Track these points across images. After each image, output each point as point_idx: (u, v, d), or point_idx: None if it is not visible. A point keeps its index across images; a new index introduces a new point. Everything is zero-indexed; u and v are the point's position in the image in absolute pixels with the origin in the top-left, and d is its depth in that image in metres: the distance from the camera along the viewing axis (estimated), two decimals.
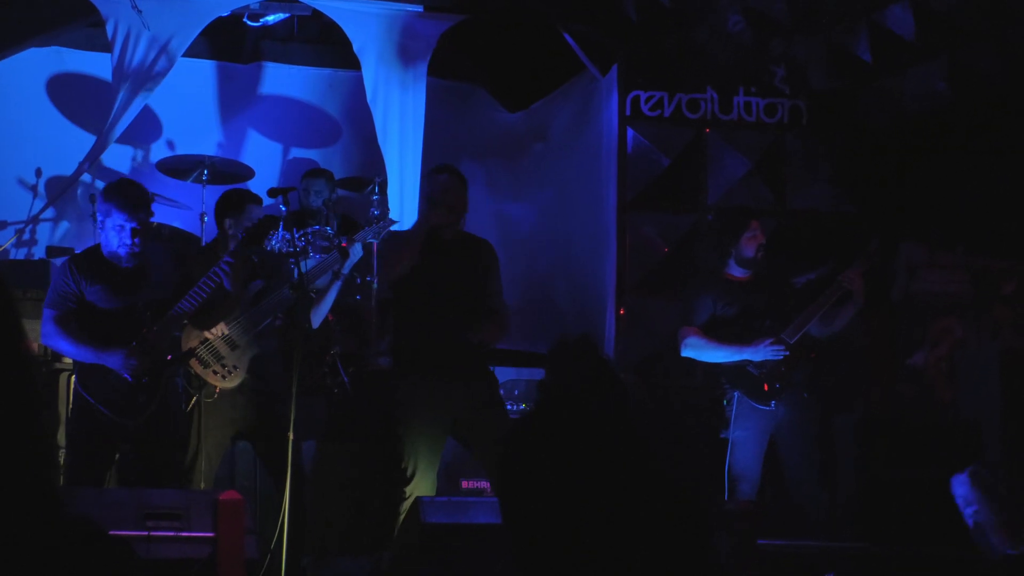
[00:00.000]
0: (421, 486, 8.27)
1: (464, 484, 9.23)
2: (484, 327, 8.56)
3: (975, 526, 7.58)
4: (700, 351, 8.89)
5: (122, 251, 7.90)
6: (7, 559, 1.83)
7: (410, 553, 7.72)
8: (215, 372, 8.16)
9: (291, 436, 7.83)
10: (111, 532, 1.98)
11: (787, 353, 8.67)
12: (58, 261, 9.25)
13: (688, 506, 2.32)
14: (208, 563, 6.93)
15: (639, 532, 2.27)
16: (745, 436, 8.75)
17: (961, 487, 7.58)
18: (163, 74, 10.58)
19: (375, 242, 9.81)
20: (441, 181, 8.69)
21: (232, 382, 8.19)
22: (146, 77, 10.52)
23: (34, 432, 1.93)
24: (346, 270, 8.81)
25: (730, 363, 8.81)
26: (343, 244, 8.70)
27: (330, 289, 8.62)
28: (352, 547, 9.19)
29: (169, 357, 8.00)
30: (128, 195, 8.00)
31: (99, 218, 8.08)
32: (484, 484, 9.21)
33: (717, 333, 8.82)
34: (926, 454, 8.92)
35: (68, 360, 8.68)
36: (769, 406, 8.71)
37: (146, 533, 6.83)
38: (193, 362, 8.13)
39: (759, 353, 8.70)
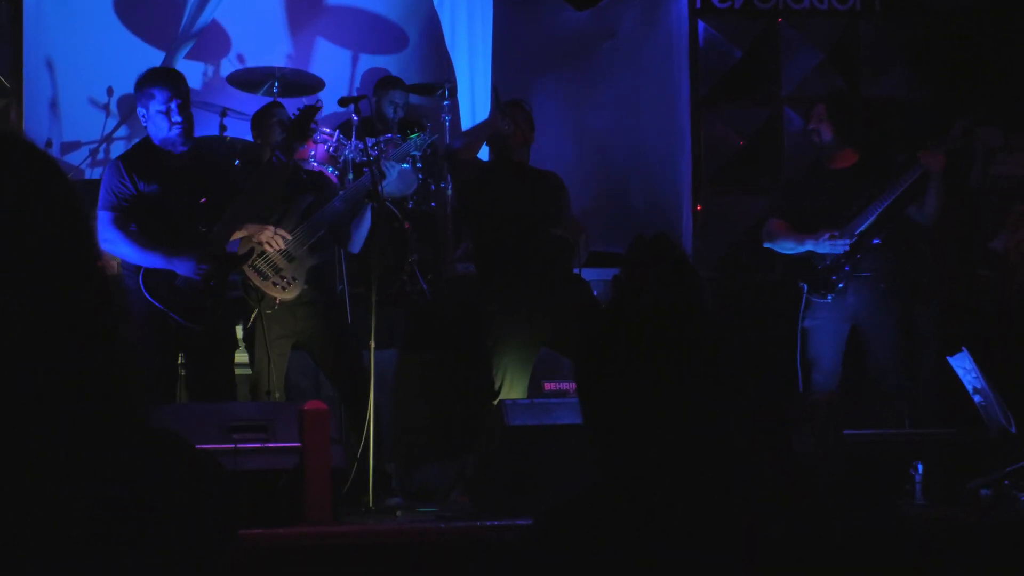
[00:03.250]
0: (511, 397, 8.30)
1: (547, 386, 9.23)
2: (567, 226, 8.61)
3: (978, 395, 7.58)
4: (774, 240, 8.81)
5: (175, 132, 7.78)
6: (98, 479, 1.84)
7: (493, 456, 7.75)
8: (275, 284, 8.19)
9: (372, 345, 7.88)
10: (197, 447, 1.98)
11: (847, 248, 8.55)
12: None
13: (766, 401, 2.31)
14: (295, 473, 7.00)
15: (717, 429, 2.26)
16: (815, 325, 8.67)
17: (960, 360, 7.57)
18: None
19: (418, 154, 9.78)
20: (510, 111, 8.69)
21: (292, 293, 8.23)
22: None
23: (115, 350, 1.94)
24: (384, 190, 8.74)
25: (797, 254, 8.74)
26: (376, 165, 8.66)
27: (365, 209, 8.58)
28: (436, 454, 9.24)
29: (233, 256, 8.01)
30: (164, 74, 8.02)
31: (141, 112, 7.88)
32: (567, 385, 9.21)
33: (800, 223, 8.73)
34: (1006, 338, 8.85)
35: None
36: (826, 299, 8.63)
37: (232, 446, 6.89)
38: (252, 274, 8.16)
39: (820, 245, 8.60)
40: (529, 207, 8.58)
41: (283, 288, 8.22)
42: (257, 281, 8.17)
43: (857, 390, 8.74)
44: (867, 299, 8.66)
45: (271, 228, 8.18)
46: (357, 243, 8.57)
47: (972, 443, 7.66)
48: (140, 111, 7.91)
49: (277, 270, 8.22)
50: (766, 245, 8.87)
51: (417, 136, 9.77)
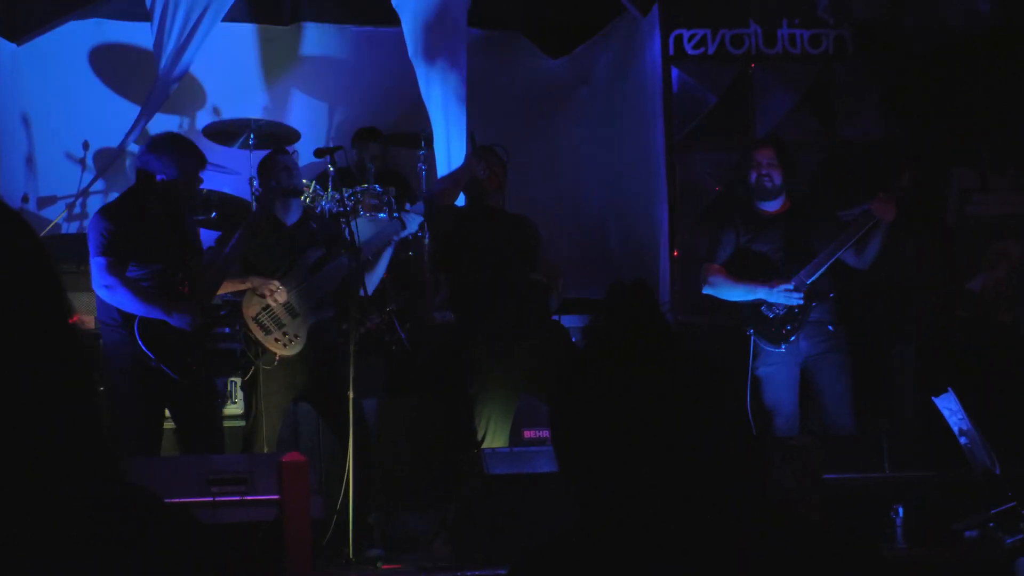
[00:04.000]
0: (494, 445, 8.30)
1: (527, 434, 9.22)
2: (543, 269, 8.62)
3: (963, 436, 7.58)
4: (718, 288, 8.80)
5: (197, 198, 8.00)
6: (69, 536, 1.83)
7: (474, 505, 7.74)
8: (276, 340, 8.18)
9: (351, 395, 7.86)
10: (176, 500, 1.98)
11: (801, 301, 8.57)
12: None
13: (743, 444, 2.30)
14: (274, 526, 6.97)
15: (693, 472, 2.25)
16: (769, 372, 8.68)
17: (946, 401, 7.58)
18: (203, 40, 10.58)
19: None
20: (486, 160, 8.72)
21: (293, 350, 8.21)
22: (187, 44, 10.53)
23: (88, 405, 1.93)
24: (398, 238, 8.84)
25: (747, 301, 8.74)
26: (399, 215, 8.68)
27: (382, 255, 8.62)
28: (418, 502, 9.22)
29: (223, 312, 8.05)
30: (197, 149, 8.09)
31: (156, 166, 7.84)
32: (546, 433, 9.21)
33: (742, 270, 8.75)
34: (987, 378, 8.86)
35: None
36: (780, 348, 8.65)
37: (211, 499, 6.87)
38: (255, 327, 8.15)
39: (773, 295, 8.61)
40: (505, 251, 8.59)
41: (284, 345, 8.19)
42: (259, 335, 8.15)
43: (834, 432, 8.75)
44: (817, 343, 8.69)
45: (275, 283, 8.20)
46: (370, 287, 8.57)
47: (953, 485, 7.66)
48: (155, 164, 7.87)
49: (280, 325, 8.19)
50: (706, 292, 8.87)
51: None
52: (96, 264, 7.70)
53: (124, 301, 7.70)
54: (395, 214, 9.11)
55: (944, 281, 10.23)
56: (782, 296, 8.57)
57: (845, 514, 7.47)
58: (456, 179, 8.91)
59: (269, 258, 8.38)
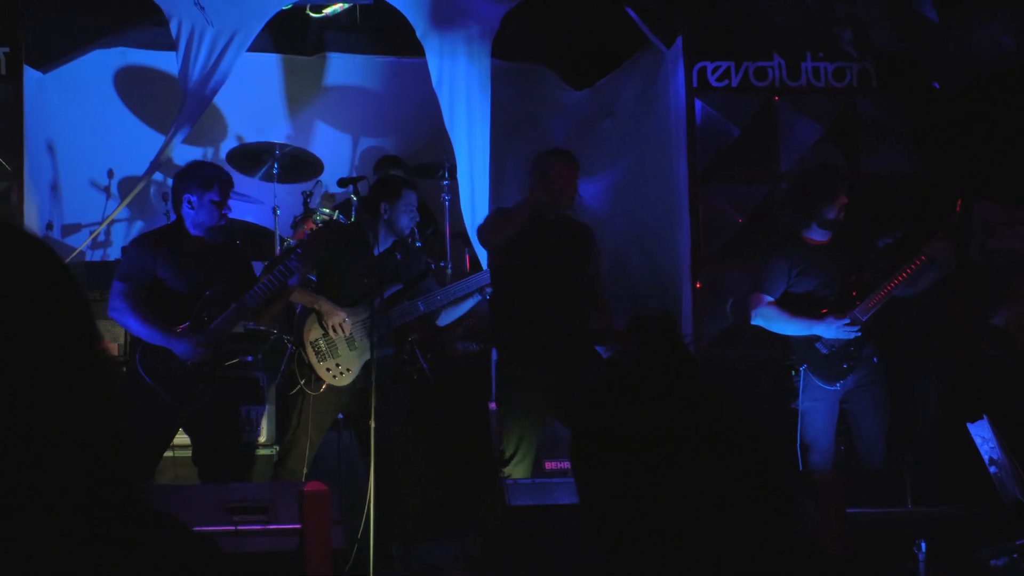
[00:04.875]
0: (519, 469, 8.28)
1: (548, 465, 9.21)
2: (599, 314, 8.61)
3: (993, 466, 7.54)
4: (770, 321, 8.75)
5: (220, 223, 8.01)
6: (93, 563, 1.84)
7: (496, 536, 7.73)
8: (328, 369, 8.14)
9: (372, 424, 7.85)
10: (199, 528, 1.98)
11: (858, 333, 8.56)
12: None
13: (766, 478, 2.30)
14: (295, 555, 6.96)
15: (717, 506, 2.24)
16: (813, 406, 8.66)
17: (979, 428, 7.53)
18: (228, 70, 10.62)
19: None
20: (557, 165, 8.66)
21: (343, 382, 8.19)
22: (211, 74, 10.56)
23: (114, 432, 1.93)
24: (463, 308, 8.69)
25: (800, 336, 8.71)
26: (483, 287, 8.55)
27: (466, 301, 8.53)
28: (439, 532, 9.20)
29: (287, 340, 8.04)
30: (220, 171, 8.20)
31: (190, 199, 7.99)
32: (567, 464, 9.18)
33: (791, 303, 8.72)
34: (1011, 413, 8.82)
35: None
36: (835, 386, 8.63)
37: (233, 528, 6.86)
38: (310, 352, 8.12)
39: (830, 331, 8.58)
40: (553, 268, 8.57)
41: (335, 376, 8.17)
42: (313, 360, 8.13)
43: (857, 467, 8.73)
44: (861, 376, 8.67)
45: (343, 316, 8.17)
46: (444, 321, 8.56)
47: (976, 520, 7.62)
48: (188, 196, 8.02)
49: (335, 355, 8.16)
50: (756, 323, 8.84)
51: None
52: (112, 288, 7.96)
53: (129, 325, 7.96)
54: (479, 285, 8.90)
55: (968, 315, 10.20)
56: (841, 332, 8.54)
57: (868, 549, 7.44)
58: (511, 216, 8.74)
59: (347, 279, 8.34)
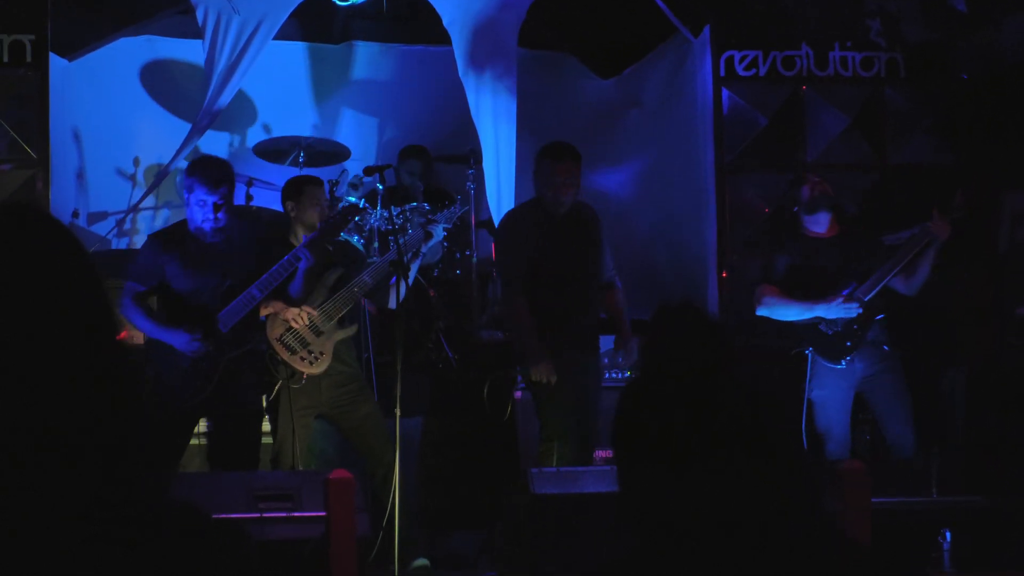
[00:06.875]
0: (564, 452, 8.33)
1: (598, 454, 9.17)
2: (617, 305, 8.83)
3: None
4: (773, 309, 8.80)
5: (206, 226, 8.01)
6: (119, 554, 1.83)
7: (521, 526, 7.73)
8: (302, 359, 8.21)
9: (398, 412, 7.88)
10: (226, 516, 1.97)
11: (860, 311, 8.56)
12: None
13: (796, 467, 2.29)
14: (321, 542, 6.97)
15: (750, 496, 2.24)
16: (824, 395, 8.66)
17: None
18: (254, 58, 10.62)
19: (448, 226, 9.67)
20: (561, 168, 8.69)
21: (319, 368, 8.24)
22: (238, 62, 10.57)
23: (136, 422, 1.93)
24: (424, 250, 8.81)
25: (803, 321, 8.72)
26: (424, 225, 8.70)
27: (410, 267, 8.59)
28: (463, 521, 9.21)
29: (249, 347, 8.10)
30: (208, 170, 8.10)
31: (184, 195, 8.17)
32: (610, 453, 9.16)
33: (793, 290, 8.74)
34: None
35: None
36: (840, 364, 8.61)
37: (258, 515, 6.88)
38: (280, 348, 8.19)
39: (831, 310, 8.59)
40: (566, 263, 8.67)
41: (310, 363, 8.22)
42: (285, 355, 8.19)
43: (884, 457, 8.71)
44: (872, 364, 8.66)
45: (295, 309, 8.24)
46: (392, 301, 8.57)
47: (1001, 510, 7.60)
48: (184, 193, 8.19)
49: (305, 344, 8.22)
50: (761, 313, 8.86)
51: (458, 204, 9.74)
52: (124, 287, 8.12)
53: (135, 321, 8.08)
54: (420, 222, 9.08)
55: (994, 307, 10.17)
56: (840, 310, 8.55)
57: (893, 539, 7.42)
58: (527, 230, 8.83)
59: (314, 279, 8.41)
